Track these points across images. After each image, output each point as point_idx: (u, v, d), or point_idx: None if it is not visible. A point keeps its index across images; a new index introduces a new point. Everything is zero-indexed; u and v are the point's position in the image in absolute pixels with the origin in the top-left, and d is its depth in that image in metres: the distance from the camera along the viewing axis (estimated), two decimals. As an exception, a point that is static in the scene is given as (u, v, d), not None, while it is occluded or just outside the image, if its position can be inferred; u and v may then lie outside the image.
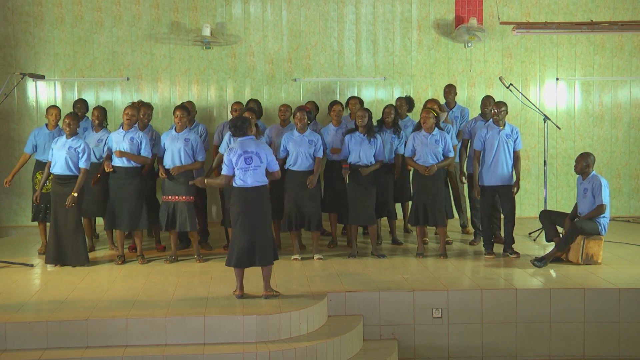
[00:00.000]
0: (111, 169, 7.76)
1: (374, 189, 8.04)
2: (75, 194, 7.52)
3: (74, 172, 7.60)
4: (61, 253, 7.69)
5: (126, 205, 7.75)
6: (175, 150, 7.80)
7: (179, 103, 9.85)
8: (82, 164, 7.61)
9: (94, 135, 8.27)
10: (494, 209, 8.14)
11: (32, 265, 7.81)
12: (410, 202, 8.96)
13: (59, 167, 7.60)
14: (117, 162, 7.77)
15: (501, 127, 7.93)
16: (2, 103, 9.17)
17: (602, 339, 6.62)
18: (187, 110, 7.98)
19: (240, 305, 6.25)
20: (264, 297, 6.45)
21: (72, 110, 8.77)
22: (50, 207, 7.76)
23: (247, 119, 6.65)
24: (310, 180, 7.84)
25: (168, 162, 7.83)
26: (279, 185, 7.95)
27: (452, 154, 8.03)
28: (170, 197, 7.81)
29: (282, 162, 7.87)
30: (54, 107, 8.61)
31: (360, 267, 7.59)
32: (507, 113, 8.02)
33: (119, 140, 7.78)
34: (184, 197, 7.79)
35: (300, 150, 7.87)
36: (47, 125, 8.48)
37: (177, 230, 7.83)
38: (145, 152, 7.83)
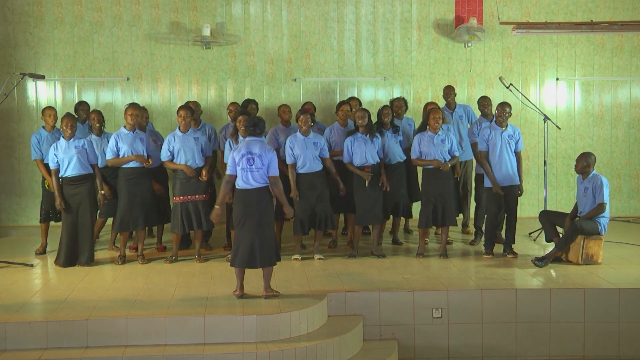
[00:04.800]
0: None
1: (380, 190, 8.04)
2: (103, 191, 7.68)
3: (88, 170, 7.68)
4: (75, 255, 7.72)
5: (141, 206, 7.77)
6: (188, 151, 7.79)
7: (179, 103, 9.88)
8: (93, 160, 7.71)
9: (98, 140, 8.26)
10: (500, 209, 8.13)
11: (32, 265, 7.81)
12: (413, 203, 8.98)
13: (71, 168, 7.60)
14: (131, 163, 7.77)
15: (504, 128, 7.94)
16: (2, 103, 9.18)
17: (602, 339, 6.62)
18: (191, 110, 7.98)
19: (240, 305, 6.25)
20: (264, 297, 6.45)
21: (72, 111, 8.76)
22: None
23: (263, 120, 6.63)
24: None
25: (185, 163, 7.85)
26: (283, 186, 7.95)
27: (458, 153, 8.10)
28: (182, 197, 7.80)
29: (292, 165, 7.88)
30: (51, 108, 8.57)
31: (360, 267, 7.59)
32: (510, 115, 8.02)
33: (130, 141, 7.77)
34: (197, 195, 7.81)
35: (307, 154, 7.86)
36: (44, 127, 8.45)
37: (196, 229, 7.85)
38: (154, 152, 8.00)
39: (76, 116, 8.36)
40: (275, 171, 6.48)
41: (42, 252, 8.41)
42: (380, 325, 6.57)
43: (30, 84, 10.25)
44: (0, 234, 9.99)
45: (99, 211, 8.13)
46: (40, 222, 8.44)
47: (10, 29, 10.17)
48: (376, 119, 8.42)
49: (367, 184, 7.93)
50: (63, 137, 7.67)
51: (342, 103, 8.85)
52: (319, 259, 7.95)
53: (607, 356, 6.62)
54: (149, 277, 7.31)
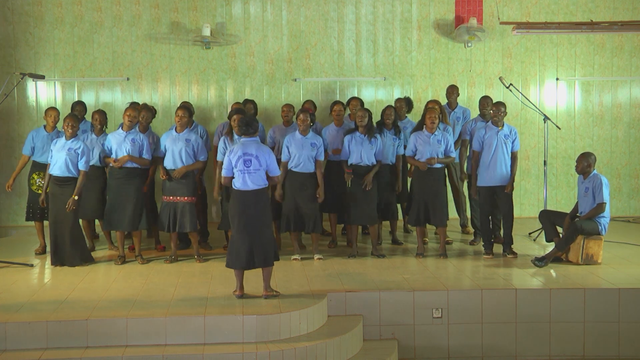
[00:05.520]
0: (119, 164, 7.70)
1: (375, 189, 8.04)
2: (76, 197, 7.53)
3: (73, 174, 7.59)
4: (64, 254, 7.69)
5: (126, 206, 7.73)
6: (176, 151, 7.78)
7: (179, 103, 9.86)
8: (82, 166, 7.59)
9: (96, 139, 8.24)
10: (493, 208, 8.14)
11: (32, 265, 7.81)
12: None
13: (57, 168, 7.58)
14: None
15: (500, 128, 7.93)
16: (2, 103, 9.18)
17: (602, 339, 6.62)
18: (189, 110, 7.98)
19: (240, 305, 6.25)
20: (264, 297, 6.45)
21: (71, 111, 8.75)
22: (48, 207, 7.75)
23: (257, 120, 6.64)
24: (319, 193, 7.87)
25: (169, 164, 7.81)
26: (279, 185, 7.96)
27: (453, 154, 8.07)
28: (171, 197, 7.80)
29: (285, 164, 7.87)
30: (53, 108, 8.56)
31: (360, 267, 7.59)
32: (505, 114, 8.03)
33: (120, 141, 7.77)
34: (185, 197, 7.78)
35: (302, 153, 7.84)
36: (45, 126, 8.46)
37: (177, 231, 7.83)
38: (147, 154, 7.84)
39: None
40: (276, 171, 6.54)
41: (42, 252, 8.41)
42: (380, 325, 6.57)
43: (30, 84, 10.25)
44: (0, 234, 9.99)
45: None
46: (25, 220, 8.51)
47: (10, 29, 10.17)
48: (379, 120, 8.43)
49: (348, 185, 7.91)
50: (65, 136, 7.68)
51: (335, 103, 8.84)
52: (319, 259, 7.95)
53: (607, 356, 6.62)
54: (148, 277, 7.31)
